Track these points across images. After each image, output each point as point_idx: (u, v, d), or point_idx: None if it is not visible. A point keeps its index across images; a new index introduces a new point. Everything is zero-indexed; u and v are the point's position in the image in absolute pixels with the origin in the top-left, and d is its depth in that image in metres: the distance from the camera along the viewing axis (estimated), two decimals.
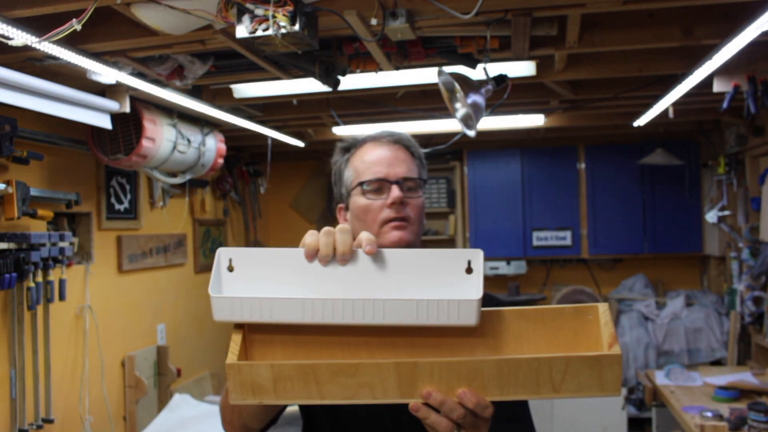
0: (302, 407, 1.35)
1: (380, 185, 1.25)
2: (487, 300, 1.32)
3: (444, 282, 0.97)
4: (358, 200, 1.27)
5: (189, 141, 3.39)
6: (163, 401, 3.54)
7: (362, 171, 1.27)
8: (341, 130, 3.98)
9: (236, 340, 0.93)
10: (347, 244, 0.96)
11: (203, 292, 4.97)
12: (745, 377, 3.27)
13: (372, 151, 1.29)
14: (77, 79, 2.54)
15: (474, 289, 0.94)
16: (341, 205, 1.33)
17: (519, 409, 1.24)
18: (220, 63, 2.56)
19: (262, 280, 0.96)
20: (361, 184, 1.27)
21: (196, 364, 4.18)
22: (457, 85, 2.21)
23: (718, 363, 4.23)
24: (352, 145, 1.33)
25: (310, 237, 0.98)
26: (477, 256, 0.97)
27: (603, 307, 0.94)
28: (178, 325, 3.99)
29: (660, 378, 3.50)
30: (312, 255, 0.97)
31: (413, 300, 0.88)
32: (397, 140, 1.30)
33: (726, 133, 4.05)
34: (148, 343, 3.62)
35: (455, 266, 0.98)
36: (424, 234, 4.99)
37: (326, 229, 0.98)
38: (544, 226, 4.88)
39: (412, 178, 1.27)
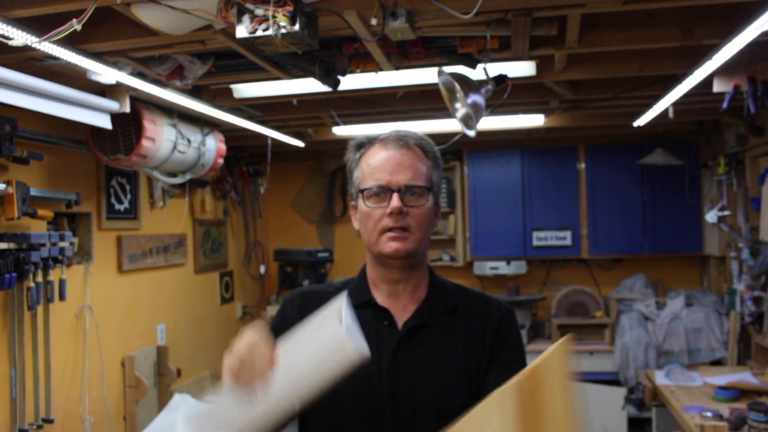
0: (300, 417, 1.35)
1: (381, 192, 1.23)
2: (440, 284, 1.34)
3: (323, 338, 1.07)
4: (361, 205, 1.26)
5: (189, 141, 3.39)
6: (163, 401, 3.54)
7: (366, 176, 1.26)
8: (341, 130, 3.98)
9: None
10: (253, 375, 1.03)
11: (203, 292, 4.97)
12: (745, 377, 3.27)
13: (377, 154, 1.26)
14: (77, 79, 2.54)
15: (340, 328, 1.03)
16: (353, 203, 1.32)
17: None
18: (220, 63, 2.56)
19: None
20: (362, 190, 1.26)
21: (196, 364, 4.18)
22: (457, 85, 2.21)
23: (718, 363, 4.22)
24: (362, 144, 1.30)
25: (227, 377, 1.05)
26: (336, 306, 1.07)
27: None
28: (178, 325, 3.99)
29: (660, 378, 3.50)
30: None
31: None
32: (406, 142, 1.26)
33: (726, 133, 4.05)
34: (148, 343, 3.62)
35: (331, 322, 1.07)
36: None
37: (229, 370, 1.05)
38: (544, 226, 4.87)
39: (416, 186, 1.24)
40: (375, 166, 1.25)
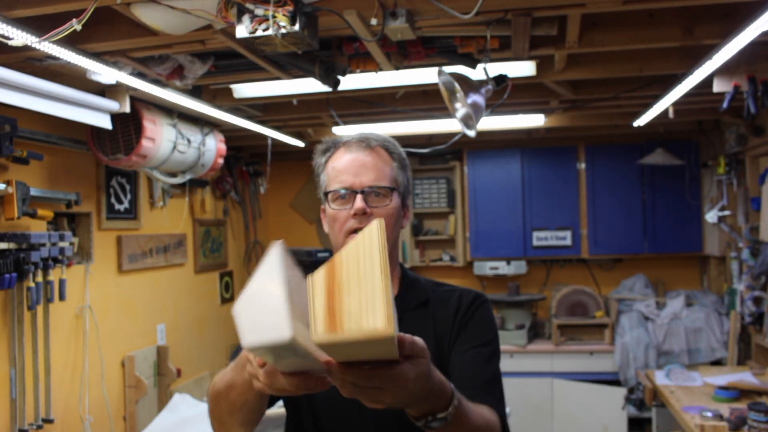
0: (287, 404, 1.35)
1: (346, 195, 1.26)
2: (412, 281, 1.33)
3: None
4: (327, 208, 1.29)
5: (189, 141, 3.39)
6: (163, 401, 3.54)
7: (331, 178, 1.29)
8: (341, 130, 3.98)
9: None
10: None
11: (203, 292, 4.96)
12: (745, 377, 3.27)
13: (342, 157, 1.29)
14: (77, 79, 2.54)
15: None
16: (323, 207, 1.34)
17: (492, 381, 1.25)
18: (220, 63, 2.56)
19: None
20: (327, 193, 1.28)
21: (196, 364, 4.18)
22: (457, 85, 2.21)
23: (718, 363, 4.23)
24: (329, 148, 1.34)
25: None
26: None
27: None
28: (178, 325, 3.99)
29: (660, 378, 3.50)
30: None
31: None
32: (368, 144, 1.29)
33: (726, 133, 4.05)
34: (148, 343, 3.62)
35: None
36: (424, 234, 4.95)
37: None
38: (544, 226, 4.87)
39: (379, 187, 1.26)
40: (339, 169, 1.28)
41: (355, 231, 1.24)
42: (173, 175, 3.63)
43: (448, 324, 1.29)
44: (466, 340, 1.27)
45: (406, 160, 1.34)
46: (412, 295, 1.32)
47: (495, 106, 2.67)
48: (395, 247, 1.32)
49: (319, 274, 0.80)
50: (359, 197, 1.24)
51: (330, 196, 1.27)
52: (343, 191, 1.25)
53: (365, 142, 1.29)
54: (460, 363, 1.24)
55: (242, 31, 1.72)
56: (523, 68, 2.77)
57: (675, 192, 4.68)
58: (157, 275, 3.79)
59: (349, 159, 1.28)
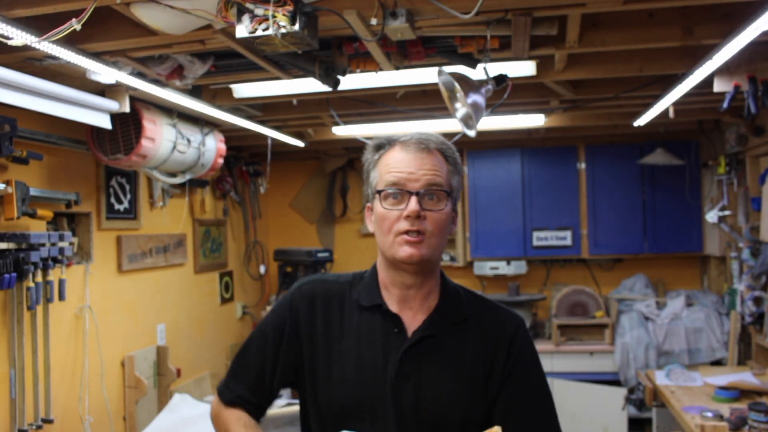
0: (302, 411, 1.35)
1: (399, 195, 1.21)
2: (453, 292, 1.31)
3: None
4: (377, 206, 1.24)
5: (189, 141, 3.39)
6: (163, 401, 3.54)
7: (384, 177, 1.23)
8: (341, 130, 3.98)
9: None
10: None
11: (203, 292, 4.95)
12: (746, 377, 3.27)
13: (397, 155, 1.24)
14: (77, 79, 2.53)
15: None
16: (369, 205, 1.30)
17: (550, 420, 1.28)
18: (220, 63, 2.56)
19: None
20: (379, 192, 1.23)
21: (196, 364, 4.18)
22: (457, 85, 2.21)
23: (718, 363, 4.22)
24: (382, 145, 1.28)
25: None
26: None
27: None
28: (178, 325, 3.99)
29: (660, 378, 3.50)
30: None
31: None
32: (427, 146, 1.24)
33: (726, 133, 4.05)
34: (148, 343, 3.62)
35: None
36: None
37: None
38: (544, 226, 4.87)
39: (435, 190, 1.21)
40: (394, 168, 1.22)
41: (406, 233, 1.20)
42: (173, 175, 3.63)
43: (488, 351, 1.25)
44: (520, 387, 1.27)
45: (460, 165, 1.30)
46: (452, 310, 1.28)
47: (495, 106, 2.66)
48: (441, 255, 1.28)
49: None
50: (414, 199, 1.19)
51: (382, 194, 1.22)
52: (396, 191, 1.21)
53: (423, 144, 1.24)
54: (526, 419, 1.26)
55: (242, 30, 1.71)
56: (523, 68, 2.77)
57: (675, 192, 4.68)
58: (157, 275, 3.79)
59: (405, 158, 1.22)
